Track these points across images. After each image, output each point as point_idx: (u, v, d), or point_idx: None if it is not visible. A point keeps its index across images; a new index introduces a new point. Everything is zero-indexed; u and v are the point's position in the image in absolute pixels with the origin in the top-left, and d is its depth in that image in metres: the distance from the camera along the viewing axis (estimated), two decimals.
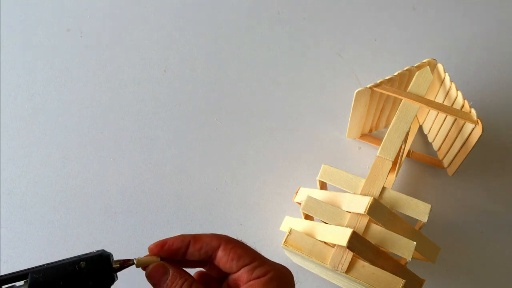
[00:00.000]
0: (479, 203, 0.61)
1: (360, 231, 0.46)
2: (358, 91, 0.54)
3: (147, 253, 0.36)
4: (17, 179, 0.63)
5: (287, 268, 0.37)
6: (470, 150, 0.54)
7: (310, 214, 0.48)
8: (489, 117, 0.64)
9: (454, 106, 0.55)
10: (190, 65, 0.70)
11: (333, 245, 0.46)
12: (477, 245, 0.59)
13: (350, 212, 0.47)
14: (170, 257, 0.36)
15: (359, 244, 0.44)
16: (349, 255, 0.45)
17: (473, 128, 0.53)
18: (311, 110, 0.67)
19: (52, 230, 0.60)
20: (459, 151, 0.56)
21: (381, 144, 0.50)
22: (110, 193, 0.62)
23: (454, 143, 0.57)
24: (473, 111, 0.53)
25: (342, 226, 0.46)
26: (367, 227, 0.46)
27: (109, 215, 0.59)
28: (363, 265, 0.45)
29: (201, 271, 0.39)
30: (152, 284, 0.35)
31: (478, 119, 0.52)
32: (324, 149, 0.64)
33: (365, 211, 0.45)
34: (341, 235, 0.45)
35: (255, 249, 0.37)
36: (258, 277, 0.34)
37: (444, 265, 0.57)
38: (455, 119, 0.55)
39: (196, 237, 0.36)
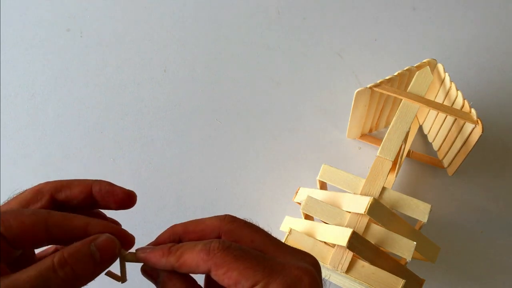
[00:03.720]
0: (479, 203, 0.61)
1: (360, 231, 0.46)
2: (358, 91, 0.54)
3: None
4: (17, 179, 0.63)
5: (307, 271, 0.29)
6: (470, 150, 0.54)
7: (310, 214, 0.48)
8: (489, 117, 0.64)
9: (454, 106, 0.55)
10: (190, 65, 0.70)
11: (333, 245, 0.46)
12: (477, 245, 0.59)
13: (350, 212, 0.47)
14: None
15: (359, 244, 0.44)
16: (349, 255, 0.45)
17: (473, 128, 0.53)
18: (311, 110, 0.67)
19: None
20: (459, 151, 0.56)
21: (381, 144, 0.50)
22: None
23: (454, 143, 0.57)
24: (473, 111, 0.53)
25: (342, 226, 0.46)
26: (367, 227, 0.46)
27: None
28: (363, 265, 0.45)
29: None
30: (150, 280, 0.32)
31: (478, 119, 0.52)
32: (324, 149, 0.64)
33: (365, 211, 0.45)
34: (341, 235, 0.45)
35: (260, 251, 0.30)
36: None
37: (444, 265, 0.57)
38: (455, 119, 0.55)
39: (180, 263, 0.30)
